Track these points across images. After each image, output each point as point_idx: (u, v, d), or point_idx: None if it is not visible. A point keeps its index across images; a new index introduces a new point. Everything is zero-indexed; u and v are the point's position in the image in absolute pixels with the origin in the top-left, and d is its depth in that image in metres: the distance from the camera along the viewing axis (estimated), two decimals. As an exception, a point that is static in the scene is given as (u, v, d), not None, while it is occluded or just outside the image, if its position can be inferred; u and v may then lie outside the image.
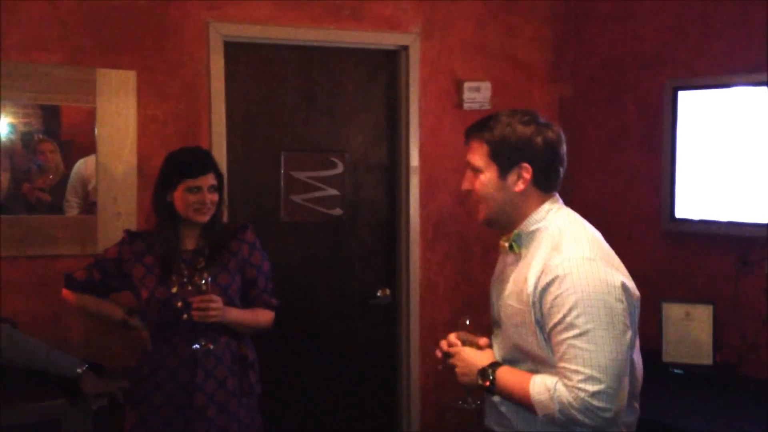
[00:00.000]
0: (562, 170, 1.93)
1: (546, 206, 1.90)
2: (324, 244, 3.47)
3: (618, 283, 1.77)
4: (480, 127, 1.92)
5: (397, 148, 3.55)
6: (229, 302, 2.46)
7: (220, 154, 3.18)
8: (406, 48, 3.49)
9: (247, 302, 2.57)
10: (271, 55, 3.33)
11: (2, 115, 2.87)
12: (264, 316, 2.59)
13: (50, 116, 2.96)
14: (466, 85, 3.56)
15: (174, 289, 2.43)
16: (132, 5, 3.03)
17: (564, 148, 1.93)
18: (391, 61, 3.53)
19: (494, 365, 1.87)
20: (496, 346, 1.96)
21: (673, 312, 3.16)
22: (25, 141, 2.92)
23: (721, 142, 3.08)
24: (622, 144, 3.58)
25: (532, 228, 1.89)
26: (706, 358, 3.07)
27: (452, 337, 1.97)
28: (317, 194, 3.44)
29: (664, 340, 3.15)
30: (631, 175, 3.55)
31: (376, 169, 3.55)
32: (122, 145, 3.03)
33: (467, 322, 1.97)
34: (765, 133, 2.94)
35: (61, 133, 2.99)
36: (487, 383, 1.86)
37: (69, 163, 3.00)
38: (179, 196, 2.46)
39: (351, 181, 3.50)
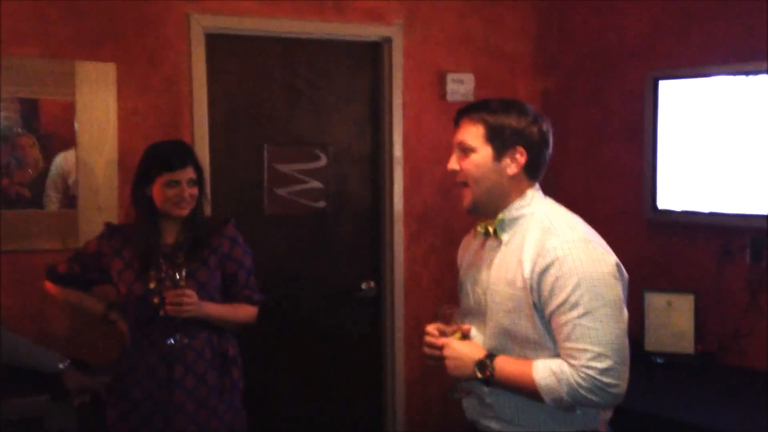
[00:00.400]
0: (547, 162, 1.98)
1: (530, 193, 1.93)
2: (308, 237, 3.47)
3: (614, 263, 1.83)
4: (477, 108, 1.93)
5: (380, 140, 3.55)
6: (207, 298, 2.44)
7: (202, 147, 3.16)
8: (389, 40, 3.48)
9: (228, 297, 2.55)
10: (254, 47, 3.31)
11: (-20, 109, 2.83)
12: (245, 312, 2.56)
13: (29, 110, 2.92)
14: (450, 76, 3.56)
15: (152, 285, 2.41)
16: (111, -3, 2.99)
17: (552, 141, 1.98)
18: (374, 53, 3.52)
19: (491, 356, 1.85)
20: (478, 335, 1.94)
21: (654, 301, 3.18)
22: (3, 135, 2.88)
23: (703, 132, 3.10)
24: (604, 135, 3.60)
25: (517, 214, 1.91)
26: (688, 347, 3.10)
27: (432, 328, 1.94)
28: (301, 187, 3.43)
29: (646, 329, 3.18)
30: (613, 166, 3.57)
31: (360, 161, 3.54)
32: (103, 139, 3.00)
33: (448, 311, 1.95)
34: (746, 122, 2.96)
35: (40, 127, 2.95)
36: (487, 374, 1.83)
37: (48, 158, 2.96)
38: (158, 190, 2.43)
39: (335, 174, 3.49)
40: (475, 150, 1.89)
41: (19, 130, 2.91)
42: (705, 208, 3.11)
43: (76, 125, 2.97)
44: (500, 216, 1.91)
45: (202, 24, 3.13)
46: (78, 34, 2.95)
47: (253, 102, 3.33)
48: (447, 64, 3.60)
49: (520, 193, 1.92)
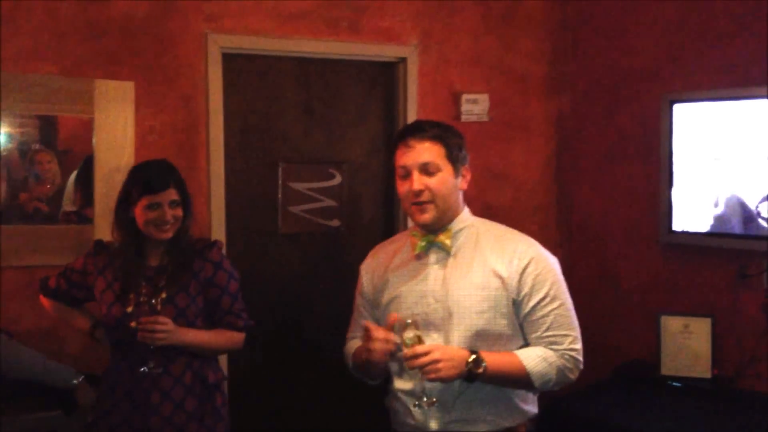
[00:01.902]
0: None
1: (467, 208, 2.12)
2: (322, 256, 3.47)
3: (557, 261, 2.09)
4: (429, 128, 2.04)
5: (395, 159, 3.54)
6: (186, 324, 2.36)
7: (217, 165, 3.18)
8: (404, 60, 3.50)
9: (212, 323, 2.46)
10: (270, 66, 3.34)
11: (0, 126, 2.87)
12: (228, 338, 2.46)
13: (47, 126, 2.96)
14: (464, 97, 3.58)
15: (129, 309, 2.32)
16: (130, 16, 3.03)
17: None
18: (389, 73, 3.54)
19: (475, 352, 1.93)
20: (437, 340, 1.99)
21: (671, 325, 3.15)
22: (23, 151, 2.92)
23: (719, 155, 3.09)
24: (619, 156, 3.59)
25: (462, 226, 2.08)
26: (705, 372, 3.07)
27: (393, 337, 1.93)
28: (315, 205, 3.43)
29: (663, 353, 3.14)
30: (628, 188, 3.55)
31: (374, 180, 3.55)
32: (120, 156, 3.03)
33: (408, 321, 1.92)
34: (762, 145, 2.95)
35: (59, 143, 2.98)
36: (481, 370, 1.91)
37: (66, 173, 2.99)
38: (139, 213, 2.37)
39: (349, 193, 3.50)
40: (441, 169, 2.01)
41: (38, 146, 2.95)
42: (721, 230, 3.09)
43: (95, 142, 3.00)
44: (452, 228, 2.05)
45: (218, 43, 3.16)
46: (97, 53, 2.99)
47: (268, 120, 3.35)
48: (461, 84, 3.61)
49: (461, 207, 2.10)
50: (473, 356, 1.92)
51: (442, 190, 2.01)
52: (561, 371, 1.99)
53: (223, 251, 2.56)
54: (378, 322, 2.12)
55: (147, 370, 2.33)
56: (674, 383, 3.07)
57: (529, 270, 2.00)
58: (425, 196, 2.00)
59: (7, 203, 2.89)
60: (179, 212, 2.40)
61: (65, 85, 2.94)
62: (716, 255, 3.16)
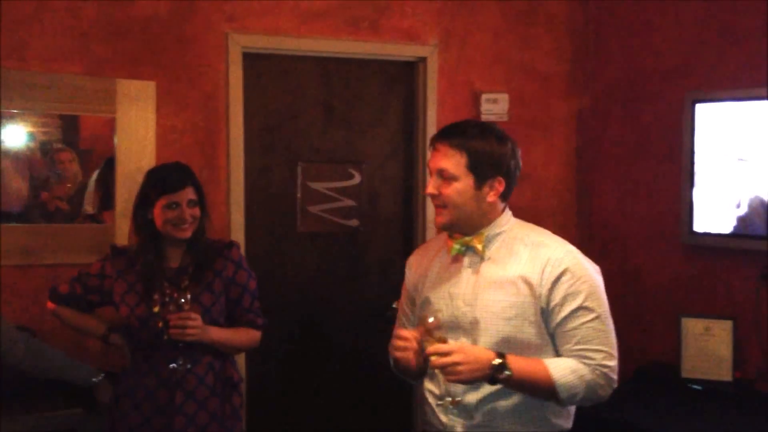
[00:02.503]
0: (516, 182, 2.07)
1: (508, 212, 2.05)
2: (340, 256, 3.47)
3: (599, 268, 2.00)
4: (457, 135, 1.97)
5: (414, 159, 3.55)
6: (211, 322, 2.39)
7: (237, 164, 3.19)
8: (423, 60, 3.49)
9: (231, 322, 2.49)
10: (290, 66, 3.35)
11: (22, 125, 2.90)
12: (248, 336, 2.50)
13: (69, 125, 2.99)
14: (484, 96, 3.56)
15: (155, 309, 2.36)
16: (152, 17, 3.05)
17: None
18: (408, 72, 3.54)
19: (502, 355, 1.86)
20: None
21: (692, 327, 3.12)
22: (44, 150, 2.95)
23: (741, 155, 3.05)
24: (640, 156, 3.56)
25: (497, 230, 2.00)
26: (726, 375, 3.04)
27: (410, 334, 1.90)
28: (334, 205, 3.44)
29: (683, 356, 3.12)
30: (649, 188, 3.52)
31: (394, 180, 3.55)
32: (141, 155, 3.05)
33: (431, 320, 1.88)
34: (786, 146, 2.91)
35: (80, 142, 3.01)
36: (503, 376, 1.84)
37: (88, 172, 3.02)
38: (158, 213, 2.40)
39: (368, 192, 3.50)
40: (457, 178, 1.94)
41: (60, 145, 2.97)
42: (743, 231, 3.06)
43: (116, 141, 3.02)
44: (485, 233, 1.99)
45: (239, 43, 3.17)
46: (119, 53, 3.02)
47: (287, 120, 3.36)
48: (481, 83, 3.60)
49: (497, 213, 2.01)
50: (498, 360, 1.84)
51: (454, 200, 1.95)
52: (591, 387, 1.90)
53: (241, 251, 2.58)
54: (413, 318, 2.13)
55: (177, 366, 2.37)
56: (695, 386, 3.04)
57: (562, 279, 1.91)
58: (438, 201, 1.98)
59: (30, 202, 2.92)
60: (197, 212, 2.44)
61: (87, 84, 2.97)
62: (738, 256, 3.12)
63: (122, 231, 3.01)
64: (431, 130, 3.49)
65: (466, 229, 2.00)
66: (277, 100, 3.34)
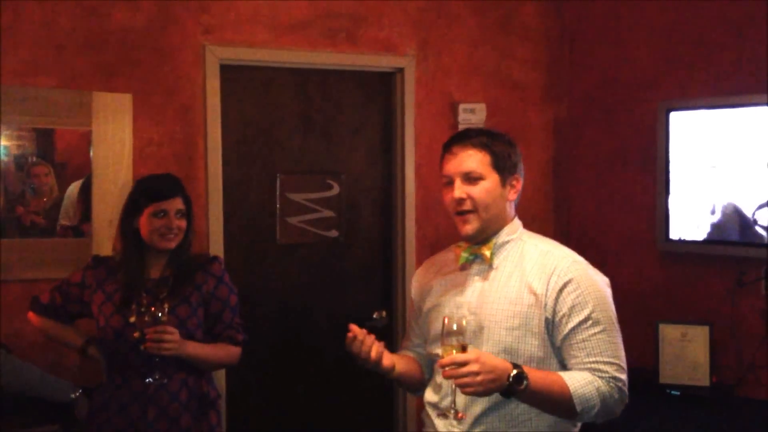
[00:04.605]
0: None
1: (518, 220, 2.04)
2: (320, 266, 3.47)
3: (607, 279, 1.97)
4: (476, 136, 1.98)
5: (393, 169, 3.56)
6: (187, 336, 2.36)
7: (215, 176, 3.18)
8: (401, 70, 3.51)
9: (211, 337, 2.47)
10: (268, 77, 3.35)
11: (-3, 139, 2.87)
12: (227, 352, 2.47)
13: (45, 139, 2.96)
14: (462, 106, 3.58)
15: (131, 319, 2.32)
16: (129, 29, 3.04)
17: None
18: (386, 83, 3.55)
19: (519, 366, 1.78)
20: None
21: (669, 333, 3.15)
22: (19, 164, 2.92)
23: (715, 162, 3.10)
24: (616, 164, 3.60)
25: (507, 239, 2.00)
26: (703, 380, 3.07)
27: (358, 329, 1.95)
28: (313, 216, 3.44)
29: (661, 361, 3.14)
30: (625, 196, 3.56)
31: (372, 190, 3.56)
32: (118, 168, 3.03)
33: (454, 326, 1.76)
34: (757, 153, 2.96)
35: (56, 155, 2.98)
36: (522, 387, 1.75)
37: (63, 186, 2.99)
38: (145, 221, 2.39)
39: (347, 203, 3.50)
40: (484, 177, 1.94)
41: (35, 158, 2.94)
42: (718, 237, 3.10)
43: (92, 154, 3.00)
44: (494, 241, 1.98)
45: (217, 55, 3.17)
46: (95, 66, 3.00)
47: (266, 131, 3.36)
48: (459, 93, 3.62)
49: (510, 218, 2.02)
50: (516, 370, 1.75)
51: (484, 200, 1.93)
52: (606, 400, 1.83)
53: (223, 266, 2.56)
54: (420, 329, 2.12)
55: (153, 381, 2.34)
56: (673, 391, 3.07)
57: (568, 289, 1.87)
58: (467, 205, 1.93)
59: (4, 216, 2.88)
60: (183, 223, 2.43)
61: (63, 97, 2.94)
62: (714, 263, 3.17)
63: (100, 244, 2.99)
64: (409, 139, 3.51)
65: (489, 233, 1.97)
66: (254, 112, 3.34)
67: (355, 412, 3.53)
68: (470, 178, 1.94)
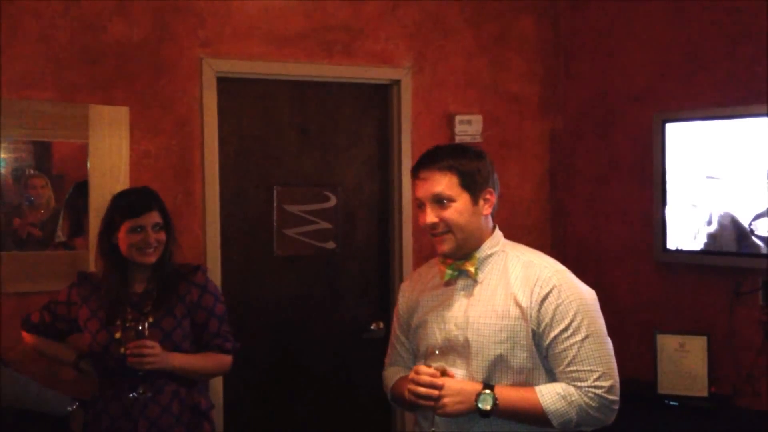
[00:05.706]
0: None
1: (498, 232, 2.06)
2: (317, 278, 3.46)
3: (594, 293, 1.98)
4: (440, 158, 1.97)
5: (389, 181, 3.57)
6: (173, 347, 2.36)
7: (212, 188, 3.18)
8: (397, 82, 3.52)
9: (200, 347, 2.46)
10: (264, 90, 3.36)
11: (-6, 151, 2.87)
12: (216, 361, 2.47)
13: (42, 152, 2.96)
14: (458, 118, 3.60)
15: (117, 335, 2.33)
16: (126, 42, 3.05)
17: None
18: (383, 95, 3.56)
19: (489, 386, 1.88)
20: (457, 371, 1.95)
21: (667, 343, 3.15)
22: (16, 176, 2.92)
23: (712, 173, 3.11)
24: (612, 176, 3.61)
25: (490, 252, 2.01)
26: (701, 390, 3.06)
27: (423, 368, 1.92)
28: (310, 228, 3.44)
29: (659, 372, 3.14)
30: (622, 207, 3.57)
31: (369, 202, 3.56)
32: (115, 180, 3.03)
33: (437, 351, 1.95)
34: (753, 163, 2.97)
35: (53, 167, 2.98)
36: (489, 407, 1.86)
37: (61, 198, 2.99)
38: (122, 238, 2.39)
39: (344, 215, 3.50)
40: (454, 199, 1.95)
41: (32, 170, 2.94)
42: (715, 248, 3.10)
43: (89, 167, 3.00)
44: (477, 256, 1.99)
45: (213, 68, 3.18)
46: (92, 79, 3.00)
47: (262, 143, 3.36)
48: (455, 105, 3.64)
49: (489, 231, 2.03)
50: (485, 391, 1.86)
51: (457, 221, 1.95)
52: (584, 411, 1.86)
53: (208, 275, 2.56)
54: (410, 344, 2.13)
55: (137, 396, 2.33)
56: (671, 402, 3.07)
57: (549, 299, 1.90)
58: (440, 228, 1.96)
59: (2, 229, 2.88)
60: (162, 236, 2.42)
61: (60, 110, 2.95)
62: (711, 273, 3.17)
63: (95, 256, 2.98)
64: (406, 151, 3.52)
65: (468, 250, 1.99)
66: (251, 124, 3.34)
67: (352, 425, 3.52)
68: (440, 201, 1.95)
